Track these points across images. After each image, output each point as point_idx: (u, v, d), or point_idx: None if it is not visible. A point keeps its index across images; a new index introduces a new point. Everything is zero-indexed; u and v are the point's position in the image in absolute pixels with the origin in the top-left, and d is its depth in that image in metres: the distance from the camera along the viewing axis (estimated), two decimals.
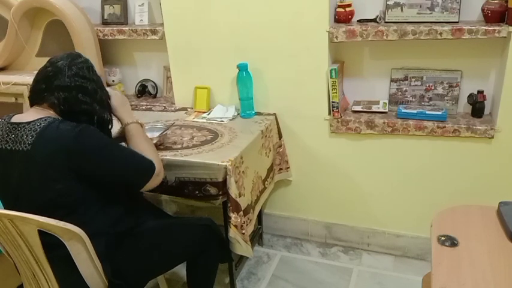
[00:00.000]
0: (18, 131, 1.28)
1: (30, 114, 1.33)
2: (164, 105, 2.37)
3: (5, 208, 1.35)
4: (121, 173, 1.36)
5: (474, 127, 1.86)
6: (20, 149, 1.26)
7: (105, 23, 2.42)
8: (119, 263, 1.40)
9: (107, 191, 1.39)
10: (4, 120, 1.35)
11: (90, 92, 1.37)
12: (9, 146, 1.29)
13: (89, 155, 1.29)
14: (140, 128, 1.53)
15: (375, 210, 2.20)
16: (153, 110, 2.32)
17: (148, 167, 1.40)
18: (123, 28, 2.31)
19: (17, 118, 1.34)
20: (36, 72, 1.40)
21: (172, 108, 2.32)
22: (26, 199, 1.29)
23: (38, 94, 1.35)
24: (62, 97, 1.33)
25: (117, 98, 1.53)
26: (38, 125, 1.28)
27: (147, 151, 1.44)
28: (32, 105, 1.37)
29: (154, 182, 1.42)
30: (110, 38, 2.35)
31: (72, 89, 1.34)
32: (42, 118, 1.30)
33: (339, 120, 2.03)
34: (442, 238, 1.18)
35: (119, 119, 1.52)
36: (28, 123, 1.29)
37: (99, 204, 1.37)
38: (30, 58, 2.44)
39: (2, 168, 1.31)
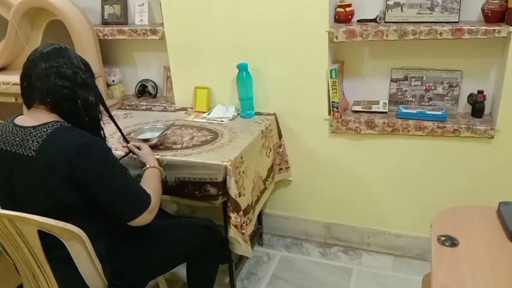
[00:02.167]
0: (24, 135, 1.26)
1: (32, 118, 1.30)
2: (164, 105, 2.37)
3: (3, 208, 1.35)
4: (112, 200, 1.30)
5: (474, 127, 1.86)
6: (26, 153, 1.25)
7: (105, 23, 2.42)
8: (119, 263, 1.40)
9: None
10: (8, 122, 1.33)
11: (67, 75, 1.30)
12: (14, 148, 1.27)
13: (85, 173, 1.25)
14: (159, 173, 1.54)
15: (375, 210, 2.20)
16: (153, 110, 2.32)
17: (143, 199, 1.34)
18: (123, 28, 2.31)
19: (21, 121, 1.31)
20: None
21: (172, 108, 2.32)
22: (26, 203, 1.28)
23: (26, 95, 1.33)
24: (44, 88, 1.28)
25: (146, 148, 1.65)
26: (44, 131, 1.25)
27: (152, 189, 1.41)
28: (28, 108, 1.35)
29: (145, 218, 1.34)
30: (110, 38, 2.35)
31: (48, 76, 1.28)
32: (48, 123, 1.27)
33: (339, 120, 2.03)
34: (442, 238, 1.18)
35: (144, 162, 1.57)
36: (34, 127, 1.27)
37: (99, 210, 1.34)
38: None
39: (5, 170, 1.30)
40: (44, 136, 1.25)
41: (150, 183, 1.45)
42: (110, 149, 1.35)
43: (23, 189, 1.28)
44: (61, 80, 1.30)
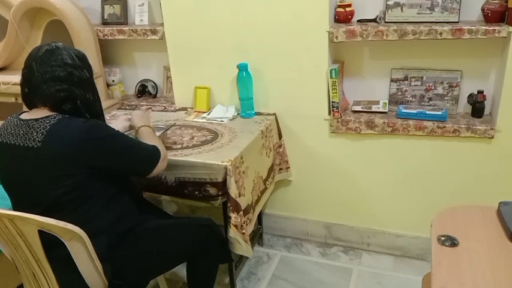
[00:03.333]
0: (28, 128, 1.30)
1: (36, 113, 1.34)
2: (164, 105, 2.37)
3: (12, 203, 1.36)
4: (130, 160, 1.42)
5: (474, 127, 1.86)
6: (31, 145, 1.27)
7: (105, 23, 2.42)
8: (119, 263, 1.40)
9: (111, 188, 1.40)
10: (13, 117, 1.37)
11: (62, 77, 1.33)
12: (18, 141, 1.30)
13: (99, 146, 1.32)
14: (150, 129, 1.65)
15: (375, 210, 2.20)
16: (153, 110, 2.31)
17: (154, 153, 1.48)
18: (123, 28, 2.31)
19: (25, 115, 1.35)
20: None
21: (172, 108, 2.32)
22: (34, 195, 1.30)
23: (27, 99, 1.37)
24: (43, 94, 1.32)
25: (137, 113, 1.74)
26: (47, 122, 1.29)
27: (152, 141, 1.55)
28: (29, 109, 1.38)
29: (161, 166, 1.49)
30: (110, 38, 2.35)
31: (45, 82, 1.31)
32: (50, 116, 1.31)
33: (339, 120, 2.03)
34: (442, 238, 1.18)
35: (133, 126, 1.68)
36: (36, 120, 1.30)
37: (103, 202, 1.37)
38: None
39: (11, 163, 1.32)
40: (48, 127, 1.28)
41: (150, 140, 1.56)
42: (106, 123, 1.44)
43: (30, 180, 1.30)
44: (57, 84, 1.32)
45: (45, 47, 1.35)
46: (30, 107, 1.37)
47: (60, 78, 1.32)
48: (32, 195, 1.31)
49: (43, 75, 1.31)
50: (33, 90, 1.33)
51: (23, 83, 1.36)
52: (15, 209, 1.35)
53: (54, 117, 1.30)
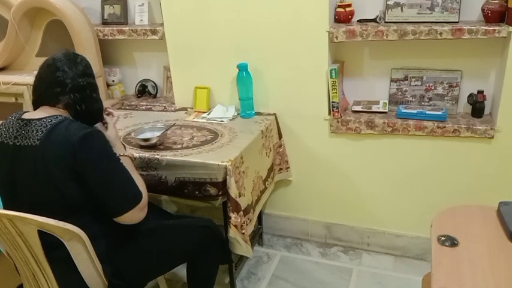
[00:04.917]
0: (29, 127, 1.29)
1: (41, 112, 1.33)
2: (164, 105, 2.37)
3: (5, 205, 1.36)
4: (107, 191, 1.30)
5: (474, 127, 1.86)
6: (29, 144, 1.27)
7: (105, 23, 2.42)
8: (119, 263, 1.40)
9: None
10: (14, 117, 1.36)
11: (97, 88, 1.43)
12: (18, 141, 1.29)
13: (86, 161, 1.27)
14: (131, 161, 1.49)
15: (375, 210, 2.20)
16: (153, 110, 2.32)
17: (136, 196, 1.34)
18: (123, 28, 2.31)
19: (27, 115, 1.35)
20: (35, 73, 1.40)
21: (172, 108, 2.32)
22: (30, 197, 1.30)
23: (50, 97, 1.35)
24: (78, 98, 1.35)
25: (114, 131, 1.53)
26: (48, 122, 1.29)
27: (139, 183, 1.39)
28: (39, 106, 1.38)
29: (135, 215, 1.34)
30: (110, 38, 2.35)
31: (85, 88, 1.37)
32: (53, 116, 1.31)
33: (339, 120, 2.03)
34: (442, 238, 1.18)
35: None
36: (39, 119, 1.30)
37: (99, 208, 1.36)
38: (30, 58, 2.44)
39: (8, 164, 1.32)
40: (49, 126, 1.28)
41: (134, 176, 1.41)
42: (108, 141, 1.38)
43: (27, 181, 1.29)
44: (95, 93, 1.42)
45: (79, 55, 1.42)
46: (46, 104, 1.35)
47: (97, 88, 1.43)
48: (26, 198, 1.30)
49: (83, 81, 1.36)
50: (67, 92, 1.34)
51: (54, 84, 1.34)
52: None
53: (57, 117, 1.30)
